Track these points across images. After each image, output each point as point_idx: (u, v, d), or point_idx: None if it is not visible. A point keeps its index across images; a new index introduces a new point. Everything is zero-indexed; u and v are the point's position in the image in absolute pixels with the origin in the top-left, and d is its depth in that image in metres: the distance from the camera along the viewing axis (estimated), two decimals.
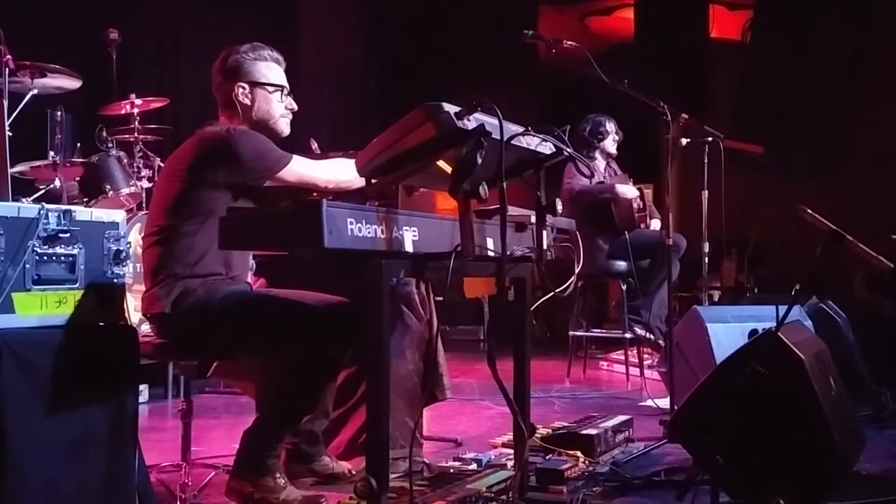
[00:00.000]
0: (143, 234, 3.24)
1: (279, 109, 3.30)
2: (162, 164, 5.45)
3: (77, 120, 5.51)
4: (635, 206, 6.07)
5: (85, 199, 5.08)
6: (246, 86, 3.25)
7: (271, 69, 3.30)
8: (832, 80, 7.73)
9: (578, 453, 3.48)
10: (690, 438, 3.03)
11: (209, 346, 3.06)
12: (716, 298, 7.88)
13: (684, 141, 4.85)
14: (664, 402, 4.59)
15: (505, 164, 2.40)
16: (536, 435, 3.56)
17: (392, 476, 2.56)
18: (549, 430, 3.78)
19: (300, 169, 3.16)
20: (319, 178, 3.19)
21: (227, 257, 3.12)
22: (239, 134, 3.15)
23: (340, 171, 3.22)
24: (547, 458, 3.45)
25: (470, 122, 2.36)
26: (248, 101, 3.25)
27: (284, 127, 3.33)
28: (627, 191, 6.12)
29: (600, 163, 6.33)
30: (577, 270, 3.02)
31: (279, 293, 3.13)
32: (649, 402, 4.99)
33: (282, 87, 3.30)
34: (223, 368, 3.32)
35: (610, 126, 6.31)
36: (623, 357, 6.21)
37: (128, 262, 2.71)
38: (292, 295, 3.07)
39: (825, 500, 2.89)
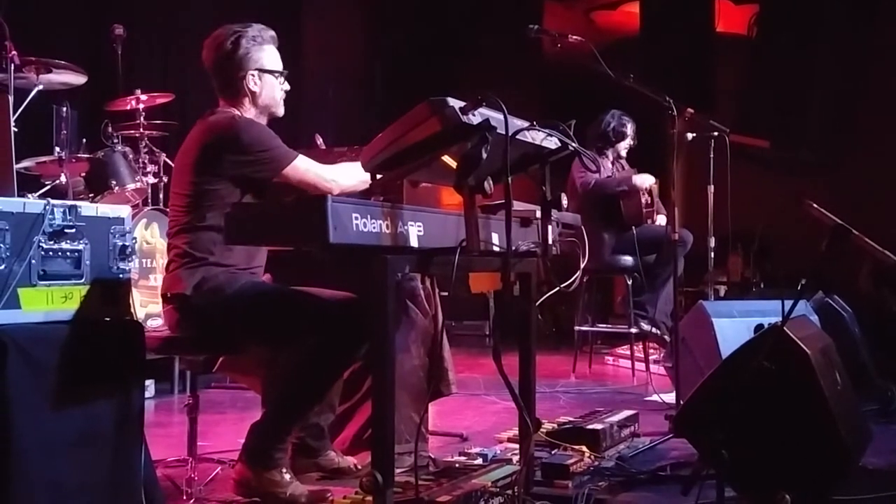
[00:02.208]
0: (168, 228, 3.26)
1: (279, 93, 3.34)
2: (167, 160, 5.47)
3: (82, 115, 5.52)
4: (644, 201, 6.05)
5: (90, 195, 5.09)
6: (255, 73, 3.27)
7: (273, 53, 3.33)
8: (838, 74, 7.70)
9: (584, 448, 3.47)
10: (696, 433, 3.03)
11: (223, 333, 3.07)
12: (722, 293, 7.87)
13: (690, 136, 4.85)
14: (670, 397, 4.59)
15: (510, 159, 2.40)
16: (542, 430, 3.56)
17: (397, 471, 2.56)
18: (555, 425, 3.77)
19: (305, 167, 3.17)
20: (323, 181, 3.19)
21: (249, 250, 3.14)
22: (245, 122, 3.18)
23: (345, 176, 3.22)
24: (552, 452, 3.44)
25: (475, 117, 2.36)
26: (257, 89, 3.28)
27: (282, 109, 3.37)
28: (645, 180, 6.09)
29: (608, 159, 6.31)
30: (582, 265, 3.01)
31: (295, 287, 3.14)
32: (655, 397, 4.99)
33: (284, 72, 3.34)
34: (229, 363, 3.33)
35: (630, 129, 6.30)
36: (628, 352, 6.22)
37: (133, 257, 2.71)
38: (307, 289, 3.08)
39: (831, 494, 2.88)
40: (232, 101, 3.28)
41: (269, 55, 3.30)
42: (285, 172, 3.13)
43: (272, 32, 3.34)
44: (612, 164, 6.34)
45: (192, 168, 3.13)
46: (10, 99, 3.44)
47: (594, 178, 5.99)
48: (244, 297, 3.07)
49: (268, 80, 3.29)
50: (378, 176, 2.58)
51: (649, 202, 6.11)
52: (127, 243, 2.70)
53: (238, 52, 3.25)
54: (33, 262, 2.46)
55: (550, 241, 2.81)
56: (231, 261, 3.12)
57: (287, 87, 3.36)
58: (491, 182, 2.43)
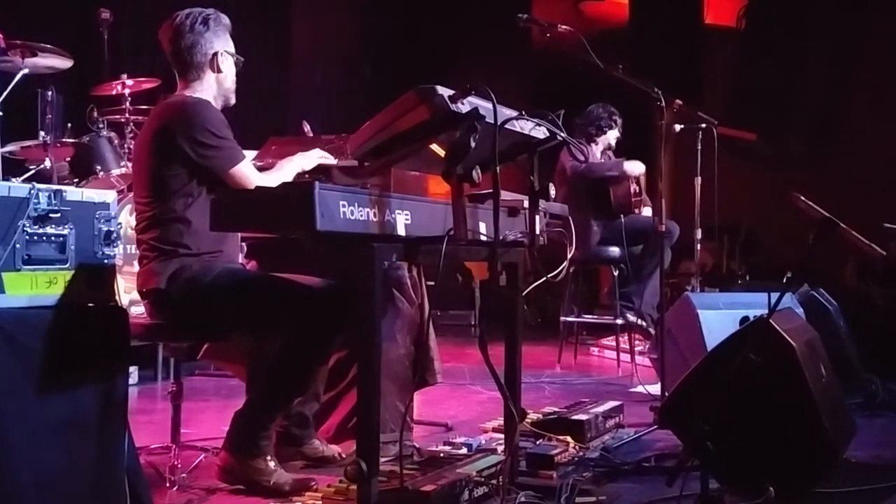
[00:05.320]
0: (135, 214, 3.23)
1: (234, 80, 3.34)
2: None
3: (68, 100, 5.48)
4: (633, 189, 6.04)
5: (75, 180, 5.06)
6: (223, 53, 3.26)
7: (230, 41, 3.33)
8: (826, 67, 7.73)
9: (569, 438, 3.48)
10: (681, 424, 3.04)
11: (203, 323, 3.06)
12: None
13: (678, 127, 4.85)
14: (655, 389, 4.60)
15: (498, 149, 2.39)
16: (527, 420, 3.56)
17: (382, 460, 2.55)
18: (540, 416, 3.78)
19: (249, 173, 3.12)
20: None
21: (220, 236, 3.12)
22: (200, 102, 3.17)
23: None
24: (537, 443, 3.45)
25: (464, 106, 2.35)
26: (224, 69, 3.27)
27: (234, 98, 3.36)
28: (635, 167, 6.07)
29: (598, 149, 6.31)
30: (569, 256, 3.01)
31: (274, 274, 3.13)
32: (640, 388, 5.00)
33: (242, 59, 3.34)
34: (213, 350, 3.31)
35: (618, 120, 6.31)
36: (614, 343, 6.22)
37: (118, 242, 2.69)
38: (287, 276, 3.07)
39: (815, 487, 2.89)
40: (193, 83, 3.26)
41: (230, 39, 3.30)
42: (231, 173, 3.09)
43: (229, 21, 3.33)
44: (602, 154, 6.34)
45: (148, 152, 3.11)
46: None
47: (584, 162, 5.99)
48: (222, 285, 3.06)
49: (229, 63, 3.29)
50: (366, 163, 2.57)
51: (637, 191, 6.10)
52: (112, 229, 2.68)
53: (207, 32, 3.24)
54: (17, 246, 2.43)
55: (538, 231, 2.80)
56: (202, 248, 3.10)
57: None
58: (479, 171, 2.42)
